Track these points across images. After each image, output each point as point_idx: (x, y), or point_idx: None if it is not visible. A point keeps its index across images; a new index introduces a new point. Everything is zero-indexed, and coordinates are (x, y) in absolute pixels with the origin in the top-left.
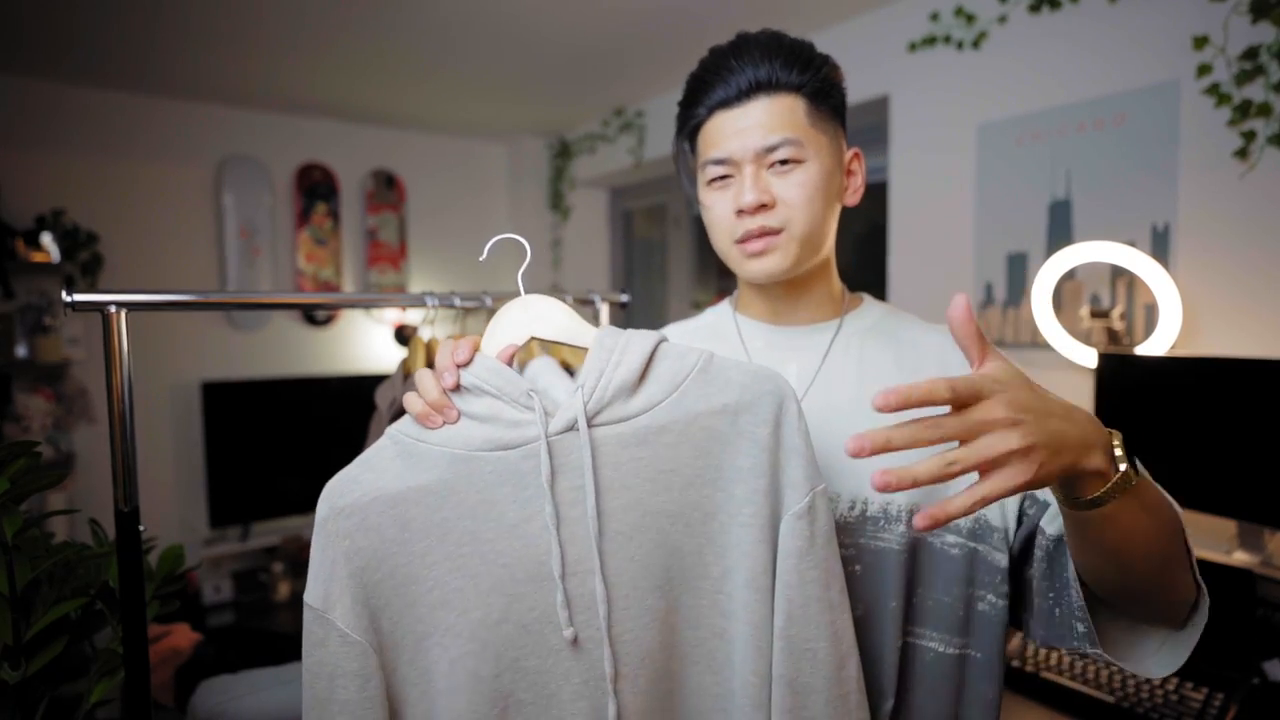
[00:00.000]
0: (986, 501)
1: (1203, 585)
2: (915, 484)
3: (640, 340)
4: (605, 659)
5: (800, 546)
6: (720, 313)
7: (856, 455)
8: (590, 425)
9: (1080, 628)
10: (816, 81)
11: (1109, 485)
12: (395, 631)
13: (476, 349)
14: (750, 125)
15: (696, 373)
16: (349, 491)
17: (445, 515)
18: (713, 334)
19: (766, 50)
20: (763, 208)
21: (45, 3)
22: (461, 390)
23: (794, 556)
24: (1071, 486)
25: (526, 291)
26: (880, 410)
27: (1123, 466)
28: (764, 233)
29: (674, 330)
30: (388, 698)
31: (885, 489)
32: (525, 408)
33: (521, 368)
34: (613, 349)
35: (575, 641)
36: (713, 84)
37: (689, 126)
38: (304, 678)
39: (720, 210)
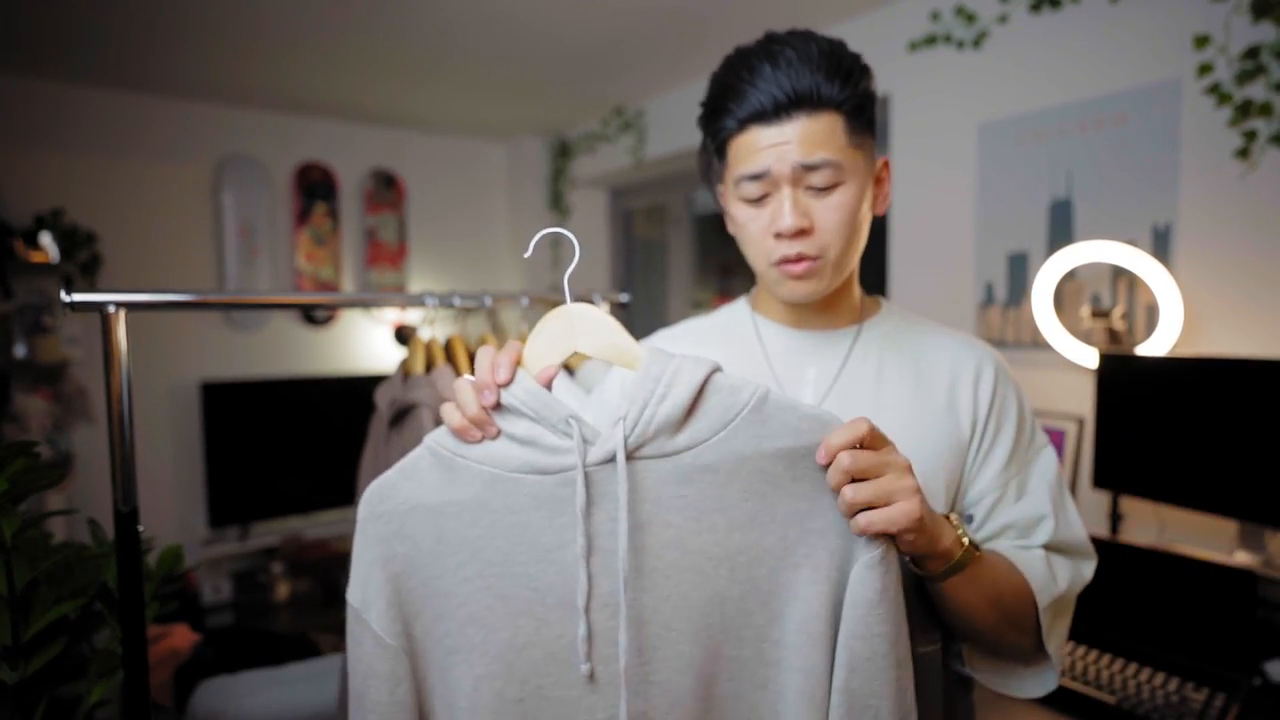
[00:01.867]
0: (889, 528)
1: (1052, 657)
2: (859, 504)
3: (690, 371)
4: (621, 700)
5: (871, 598)
6: (737, 311)
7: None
8: (631, 458)
9: (954, 648)
10: (856, 97)
11: (954, 561)
12: (426, 640)
13: (518, 363)
14: (789, 143)
15: (749, 411)
16: (389, 497)
17: (479, 533)
18: (730, 334)
19: (805, 60)
20: (802, 233)
21: (44, 2)
22: (501, 408)
23: (863, 607)
24: (928, 562)
25: (523, 292)
26: (819, 459)
27: (965, 542)
28: (802, 258)
29: (689, 326)
30: (417, 704)
31: (862, 532)
32: (564, 434)
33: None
34: (659, 378)
35: (592, 677)
36: (744, 93)
37: (718, 138)
38: (349, 671)
39: (755, 229)
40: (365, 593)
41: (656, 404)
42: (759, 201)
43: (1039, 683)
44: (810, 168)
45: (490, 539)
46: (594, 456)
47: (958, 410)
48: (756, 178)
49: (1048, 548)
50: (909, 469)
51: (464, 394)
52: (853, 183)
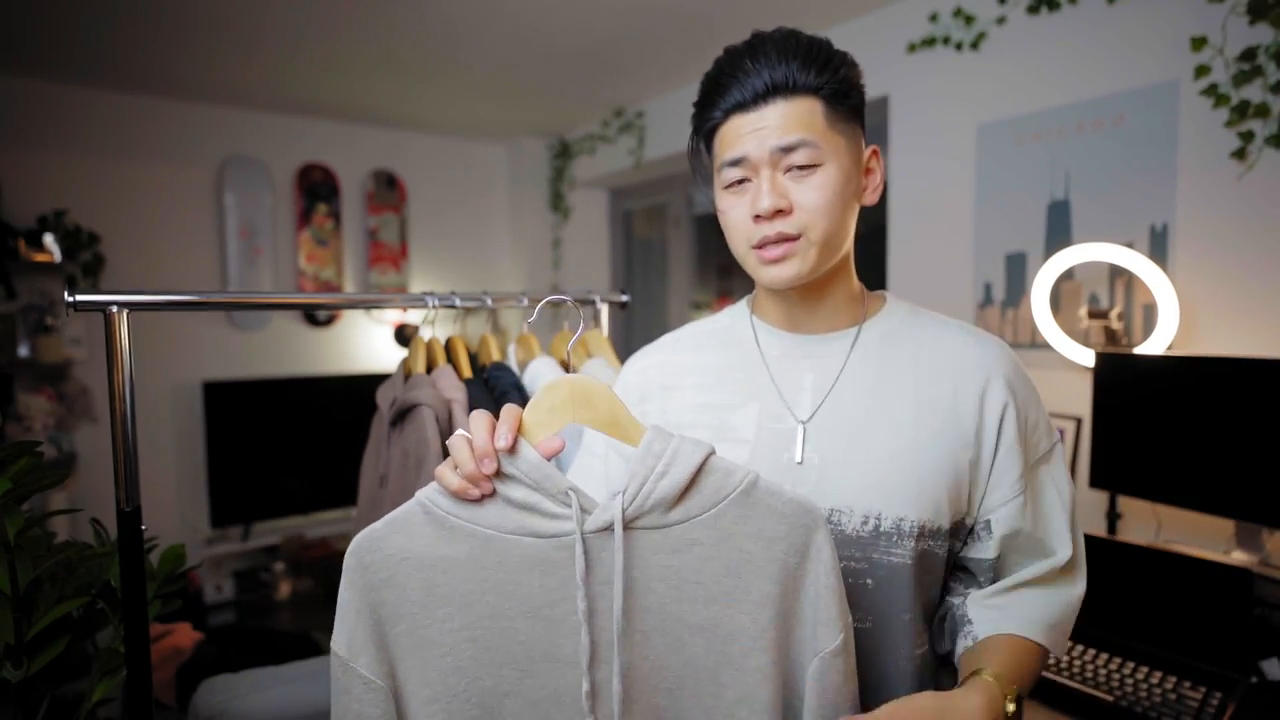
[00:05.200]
0: None
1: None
2: None
3: (688, 454)
4: None
5: (837, 683)
6: (737, 315)
7: None
8: (626, 528)
9: (947, 644)
10: (835, 83)
11: None
12: (406, 686)
13: (518, 431)
14: (767, 127)
15: (739, 494)
16: (379, 548)
17: (471, 588)
18: (729, 339)
19: (783, 51)
20: (779, 213)
21: (48, 4)
22: (500, 475)
23: (833, 691)
24: None
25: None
26: None
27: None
28: (781, 239)
29: (691, 330)
30: None
31: None
32: (562, 504)
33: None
34: (660, 456)
35: None
36: (728, 85)
37: (705, 129)
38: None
39: (737, 215)
40: (352, 640)
41: (656, 480)
42: (739, 187)
43: None
44: (787, 149)
45: (481, 594)
46: (591, 525)
47: (962, 416)
48: (736, 163)
49: (1046, 576)
50: None
51: (462, 453)
52: (833, 165)
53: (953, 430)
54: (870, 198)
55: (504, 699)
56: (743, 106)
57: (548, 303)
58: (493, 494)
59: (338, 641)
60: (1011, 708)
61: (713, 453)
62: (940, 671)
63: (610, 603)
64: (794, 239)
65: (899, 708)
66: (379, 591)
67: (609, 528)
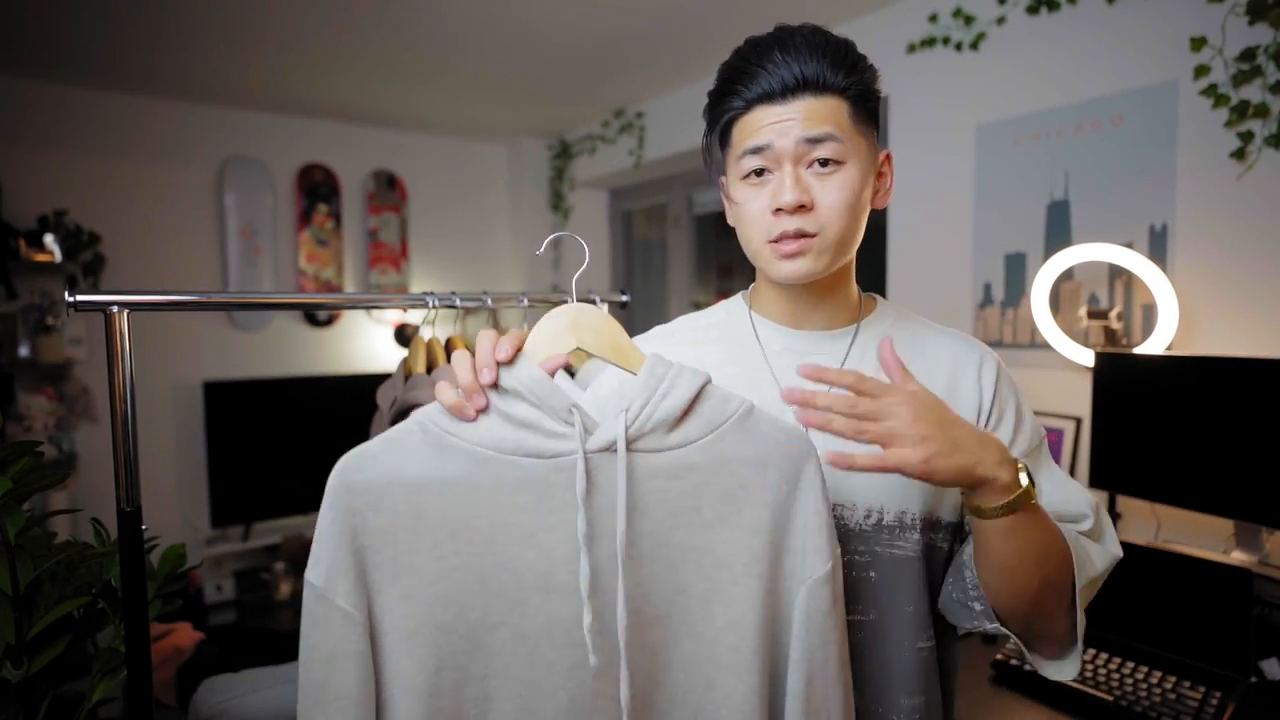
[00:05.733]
0: (884, 467)
1: (1079, 636)
2: (828, 428)
3: (690, 377)
4: (623, 689)
5: (824, 609)
6: (734, 310)
7: (787, 401)
8: (628, 449)
9: (977, 606)
10: (860, 85)
11: (1012, 497)
12: (387, 619)
13: (520, 349)
14: (794, 119)
15: (736, 419)
16: (368, 467)
17: (463, 512)
18: (726, 332)
19: (813, 47)
20: (802, 208)
21: (48, 3)
22: (501, 390)
23: (819, 617)
24: (977, 495)
25: (524, 292)
26: (801, 375)
27: (1024, 481)
28: (800, 235)
29: (685, 323)
30: None
31: (805, 423)
32: (565, 421)
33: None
34: (662, 379)
35: (598, 670)
36: (754, 75)
37: (725, 119)
38: (302, 661)
39: (755, 207)
40: (332, 569)
41: (659, 400)
42: (760, 179)
43: (1057, 667)
44: (814, 140)
45: (474, 518)
46: (594, 444)
47: (958, 404)
48: (758, 150)
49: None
50: (923, 409)
51: (462, 366)
52: (855, 165)
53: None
54: (880, 201)
55: (492, 631)
56: (769, 97)
57: (548, 303)
58: (487, 409)
59: (314, 571)
60: (1025, 480)
61: (710, 380)
62: (944, 668)
63: (609, 526)
64: (811, 236)
65: (928, 396)
66: (363, 516)
67: (610, 448)
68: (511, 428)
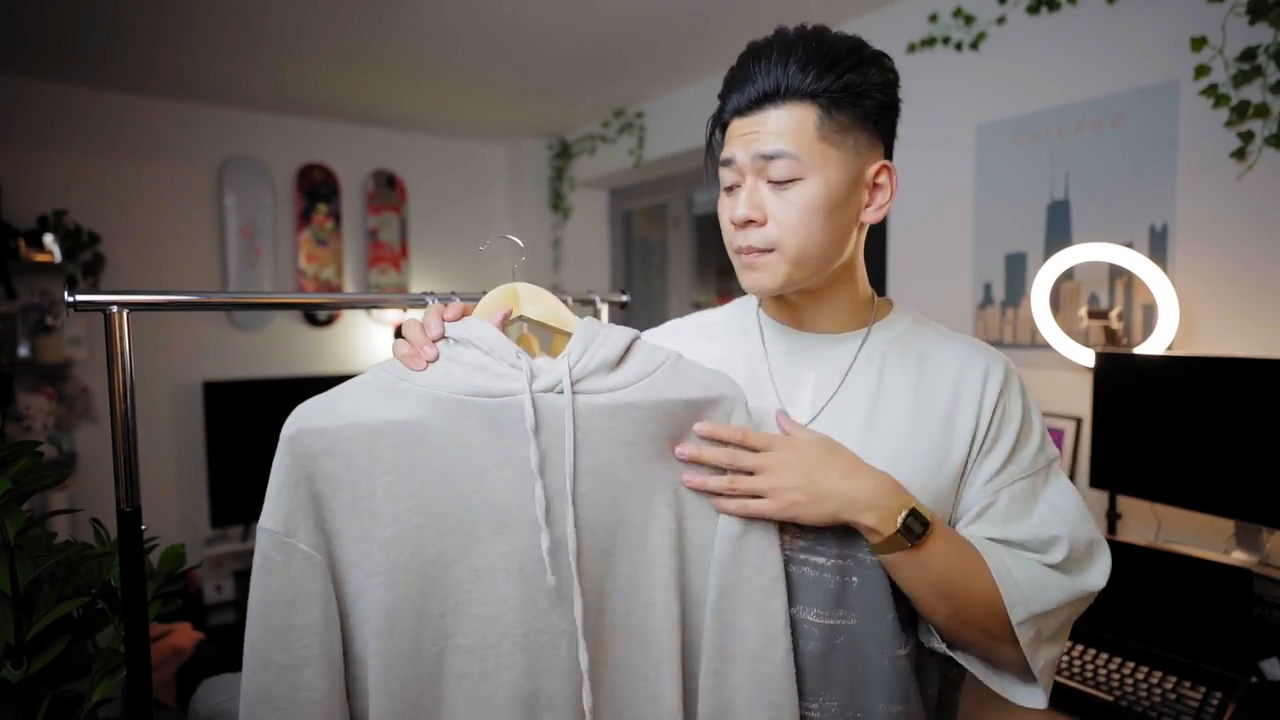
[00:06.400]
0: (746, 513)
1: (1039, 671)
2: (707, 488)
3: (621, 330)
4: (576, 608)
5: (736, 531)
6: (744, 310)
7: (679, 459)
8: (572, 391)
9: (930, 626)
10: (836, 88)
11: (879, 540)
12: (344, 561)
13: (466, 314)
14: (756, 132)
15: (667, 366)
16: (323, 415)
17: (417, 451)
18: (735, 331)
19: (784, 53)
20: (751, 223)
21: (47, 3)
22: (451, 342)
23: (729, 540)
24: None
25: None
26: (697, 435)
27: (889, 530)
28: (752, 250)
29: (695, 320)
30: None
31: (690, 486)
32: (512, 366)
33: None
34: (597, 331)
35: (556, 589)
36: (733, 87)
37: (717, 125)
38: (253, 610)
39: (724, 217)
40: (290, 513)
41: (597, 347)
42: (730, 191)
43: (1025, 694)
44: (766, 157)
45: (428, 458)
46: (540, 385)
47: (956, 421)
48: (727, 163)
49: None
50: (797, 460)
51: (411, 328)
52: (816, 179)
53: (944, 436)
54: (872, 215)
55: (448, 568)
56: (739, 110)
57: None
58: (436, 359)
59: (271, 518)
60: (893, 526)
61: (640, 336)
62: (923, 673)
63: (558, 461)
64: (765, 252)
65: (809, 445)
66: (318, 461)
67: (555, 388)
68: (462, 369)
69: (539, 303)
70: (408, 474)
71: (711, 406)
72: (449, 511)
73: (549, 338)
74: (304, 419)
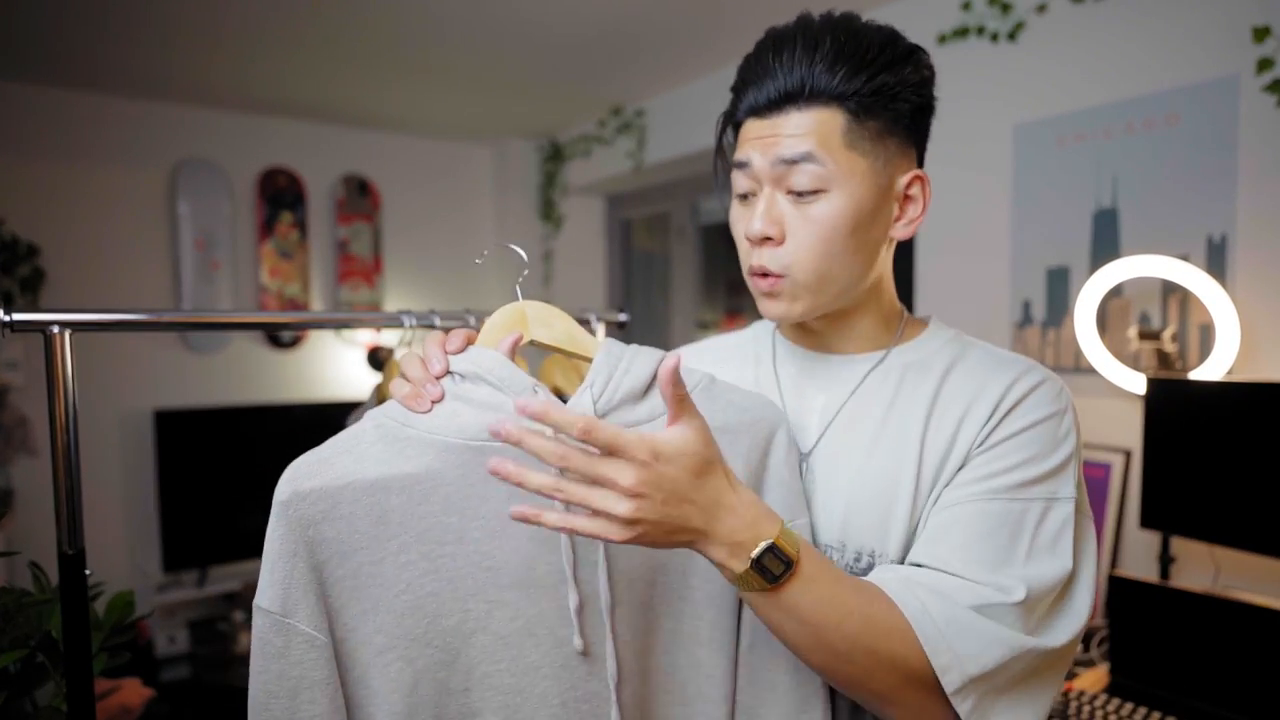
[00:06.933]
0: (572, 532)
1: None
2: (523, 485)
3: (648, 354)
4: (609, 667)
5: None
6: (760, 332)
7: (490, 433)
8: None
9: None
10: (866, 91)
11: (733, 578)
12: (353, 637)
13: (470, 342)
14: (776, 135)
15: (699, 390)
16: (319, 473)
17: (429, 509)
18: (745, 354)
19: (811, 48)
20: (768, 240)
21: None
22: (458, 378)
23: None
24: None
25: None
26: (519, 413)
27: (740, 568)
28: (768, 274)
29: (713, 344)
30: None
31: (495, 473)
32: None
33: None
34: (621, 356)
35: (585, 653)
36: (749, 81)
37: (729, 124)
38: (253, 699)
39: (739, 231)
40: (288, 592)
41: (621, 376)
42: (744, 199)
43: None
44: (789, 162)
45: (441, 514)
46: None
47: (956, 450)
48: (741, 166)
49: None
50: (659, 476)
51: (410, 364)
52: (841, 192)
53: (932, 469)
54: (902, 230)
55: (470, 637)
56: (756, 111)
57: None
58: (442, 398)
59: (268, 596)
60: (753, 559)
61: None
62: None
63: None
64: (778, 277)
65: (681, 453)
66: (318, 527)
67: None
68: (472, 410)
69: (551, 326)
70: (419, 535)
71: (749, 432)
72: (468, 574)
73: (540, 357)
74: (298, 480)
